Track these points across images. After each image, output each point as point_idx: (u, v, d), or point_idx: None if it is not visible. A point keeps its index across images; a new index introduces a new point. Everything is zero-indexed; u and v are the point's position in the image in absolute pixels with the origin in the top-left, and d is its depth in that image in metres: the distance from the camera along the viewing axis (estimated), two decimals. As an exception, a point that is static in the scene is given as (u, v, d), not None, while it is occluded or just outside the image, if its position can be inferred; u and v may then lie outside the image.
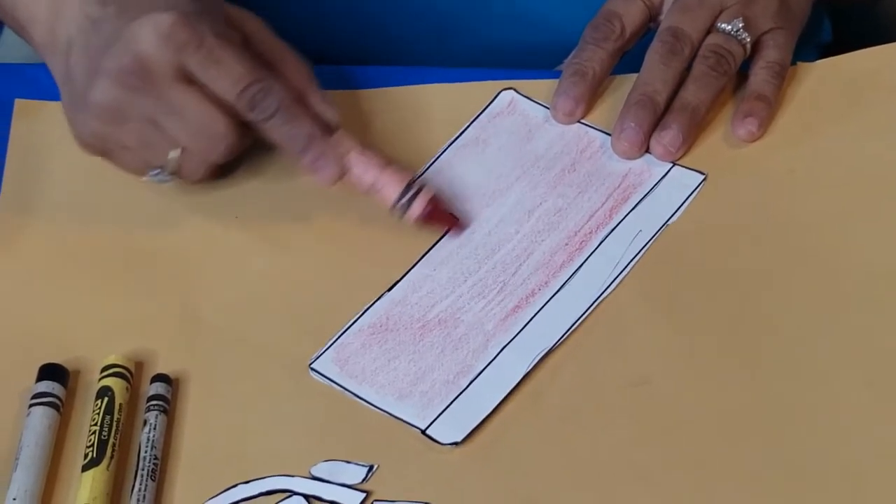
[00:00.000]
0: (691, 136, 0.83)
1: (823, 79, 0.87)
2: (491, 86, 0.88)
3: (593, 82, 0.85)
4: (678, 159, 0.83)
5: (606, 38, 0.86)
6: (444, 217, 0.81)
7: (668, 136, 0.83)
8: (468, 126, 0.86)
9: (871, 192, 0.82)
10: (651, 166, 0.84)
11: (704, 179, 0.83)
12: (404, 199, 0.79)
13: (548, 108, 0.86)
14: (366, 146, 0.80)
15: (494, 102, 0.88)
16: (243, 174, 0.85)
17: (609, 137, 0.84)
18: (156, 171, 0.80)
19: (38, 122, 0.88)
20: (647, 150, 0.84)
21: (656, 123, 0.83)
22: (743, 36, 0.85)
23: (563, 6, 0.95)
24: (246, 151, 0.82)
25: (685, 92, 0.83)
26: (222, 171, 0.83)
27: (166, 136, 0.78)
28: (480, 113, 0.87)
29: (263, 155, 0.85)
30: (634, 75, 0.85)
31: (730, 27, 0.85)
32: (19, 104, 0.89)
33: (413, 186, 0.80)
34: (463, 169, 0.85)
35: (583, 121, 0.86)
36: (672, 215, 0.82)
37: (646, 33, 0.88)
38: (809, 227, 0.81)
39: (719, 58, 0.84)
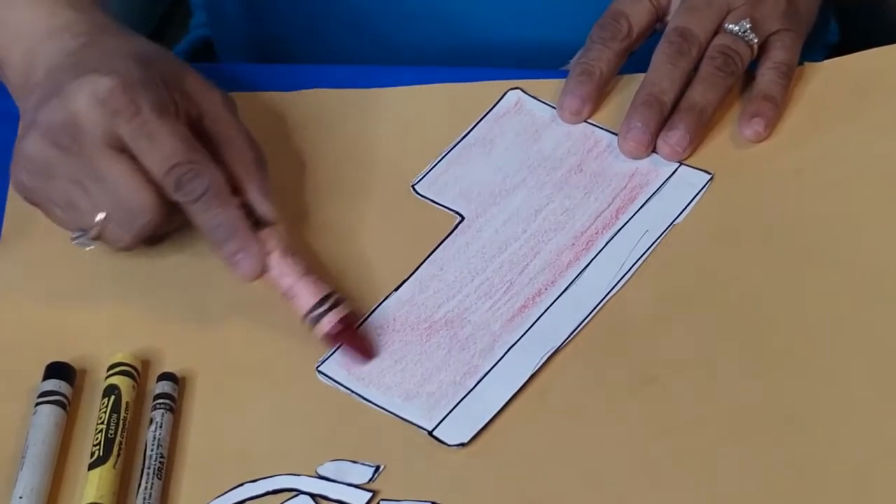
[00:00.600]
0: (698, 137, 0.83)
1: (830, 79, 0.87)
2: (497, 85, 0.88)
3: (600, 82, 0.85)
4: (685, 159, 0.83)
5: (613, 38, 0.86)
6: (355, 339, 0.77)
7: (675, 136, 0.83)
8: (475, 126, 0.86)
9: (878, 191, 0.82)
10: (657, 166, 0.84)
11: (711, 179, 0.83)
12: (316, 313, 0.76)
13: (554, 108, 0.86)
14: (292, 250, 0.77)
15: (501, 102, 0.87)
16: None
17: (616, 137, 0.84)
18: (79, 234, 0.77)
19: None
20: (654, 150, 0.84)
21: (663, 123, 0.83)
22: (750, 37, 0.85)
23: (569, 5, 0.95)
24: (181, 225, 0.79)
25: (692, 92, 0.83)
26: (153, 241, 0.80)
27: (89, 201, 0.76)
28: (487, 113, 0.87)
29: (269, 153, 0.85)
30: (641, 75, 0.85)
31: (737, 28, 0.85)
32: (26, 103, 0.89)
33: (328, 301, 0.76)
34: (469, 168, 0.85)
35: (589, 121, 0.86)
36: (679, 215, 0.82)
37: (653, 34, 0.87)
38: (816, 226, 0.81)
39: (727, 58, 0.84)
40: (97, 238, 0.77)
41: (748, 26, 0.85)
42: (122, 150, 0.75)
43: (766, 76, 0.85)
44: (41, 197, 0.78)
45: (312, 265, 0.77)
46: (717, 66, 0.84)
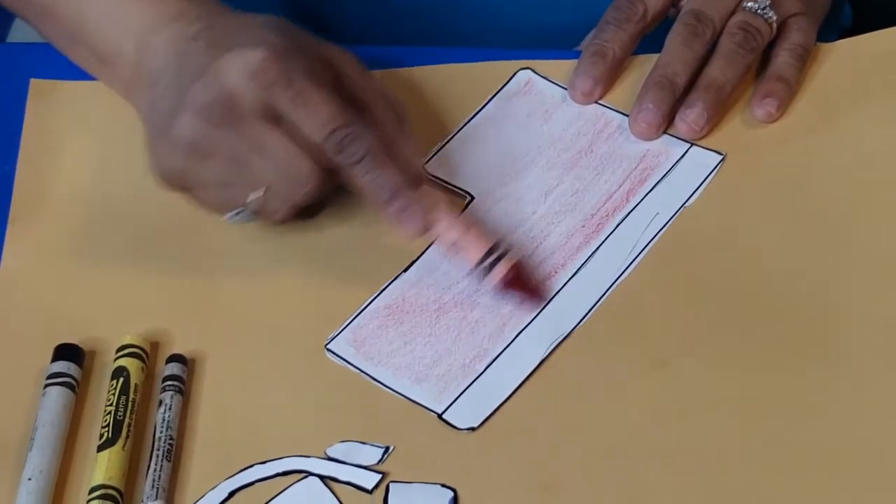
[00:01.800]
0: (716, 115, 0.83)
1: (843, 60, 0.86)
2: (508, 65, 0.88)
3: (613, 63, 0.85)
4: (702, 137, 0.83)
5: (628, 20, 0.85)
6: (526, 286, 0.77)
7: (692, 114, 0.82)
8: (484, 106, 0.86)
9: (891, 173, 0.81)
10: (668, 147, 0.83)
11: (723, 160, 0.82)
12: (486, 263, 0.77)
13: (565, 89, 0.86)
14: (451, 205, 0.78)
15: (511, 82, 0.87)
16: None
17: (626, 119, 0.84)
18: (236, 212, 0.77)
19: (53, 101, 0.88)
20: (665, 131, 0.83)
21: (674, 105, 0.83)
22: (769, 14, 0.84)
23: None
24: (332, 195, 0.80)
25: (711, 69, 0.83)
26: (306, 213, 0.80)
27: (249, 176, 0.76)
28: (497, 93, 0.87)
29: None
30: (654, 56, 0.85)
31: (756, 5, 0.84)
32: (34, 84, 0.88)
33: (496, 250, 0.77)
34: (479, 149, 0.84)
35: (600, 102, 0.85)
36: (690, 197, 0.81)
37: (667, 17, 0.87)
38: (828, 208, 0.80)
39: (746, 34, 0.84)
40: (256, 213, 0.77)
41: (767, 3, 0.84)
42: (278, 120, 0.75)
43: (781, 57, 0.84)
44: (194, 180, 0.77)
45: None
46: (737, 43, 0.83)
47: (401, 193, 0.75)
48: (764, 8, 0.84)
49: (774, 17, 0.85)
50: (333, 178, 0.76)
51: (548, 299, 0.77)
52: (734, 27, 0.84)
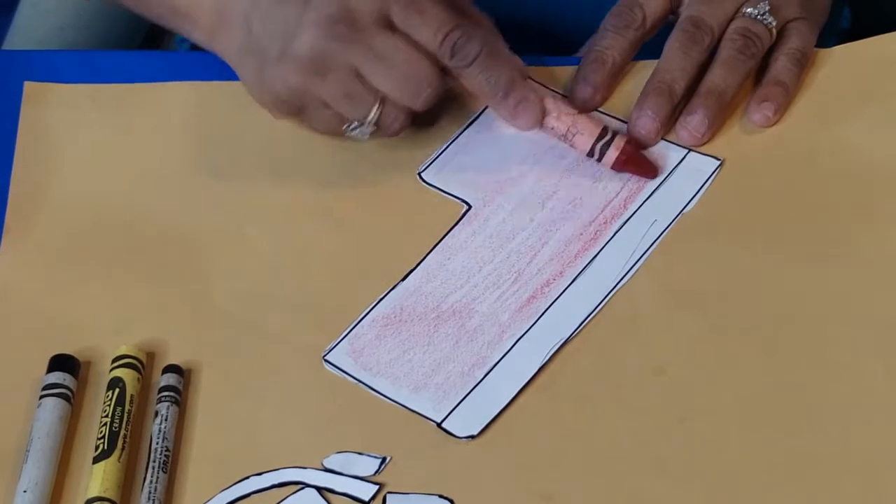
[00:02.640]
0: (718, 121, 0.83)
1: (841, 65, 0.86)
2: (505, 72, 0.88)
3: (612, 70, 0.85)
4: (703, 144, 0.83)
5: (627, 27, 0.85)
6: (639, 162, 0.82)
7: (694, 121, 0.82)
8: (481, 112, 0.86)
9: (890, 178, 0.81)
10: (666, 153, 0.83)
11: (720, 165, 0.82)
12: (600, 144, 0.81)
13: (563, 95, 0.86)
14: (558, 96, 0.83)
15: (508, 89, 0.87)
16: (256, 161, 0.84)
17: (623, 125, 0.84)
18: (354, 126, 0.80)
19: (47, 105, 0.87)
20: (664, 138, 0.83)
21: (673, 112, 0.83)
22: (769, 20, 0.84)
23: None
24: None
25: (712, 76, 0.83)
26: (416, 122, 0.83)
27: (369, 86, 0.79)
28: (494, 100, 0.86)
29: (275, 143, 0.85)
30: (652, 62, 0.85)
31: (755, 11, 0.84)
32: (28, 87, 0.88)
33: (608, 133, 0.81)
34: (476, 156, 0.84)
35: (599, 109, 0.85)
36: (688, 204, 0.81)
37: (666, 24, 0.87)
38: (827, 214, 0.80)
39: (747, 40, 0.83)
40: (375, 124, 0.80)
41: (767, 9, 0.84)
42: (394, 29, 0.78)
43: (780, 62, 0.84)
44: (310, 98, 0.80)
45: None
46: (737, 49, 0.83)
47: (515, 87, 0.80)
48: (763, 14, 0.84)
49: (774, 23, 0.84)
50: (446, 82, 0.80)
51: (661, 173, 0.82)
52: (734, 33, 0.84)
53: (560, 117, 0.82)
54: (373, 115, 0.80)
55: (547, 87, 0.84)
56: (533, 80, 0.84)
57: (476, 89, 0.80)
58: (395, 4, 0.78)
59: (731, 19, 0.84)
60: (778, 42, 0.85)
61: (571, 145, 0.82)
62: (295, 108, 0.81)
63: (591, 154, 0.82)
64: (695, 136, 0.82)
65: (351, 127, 0.81)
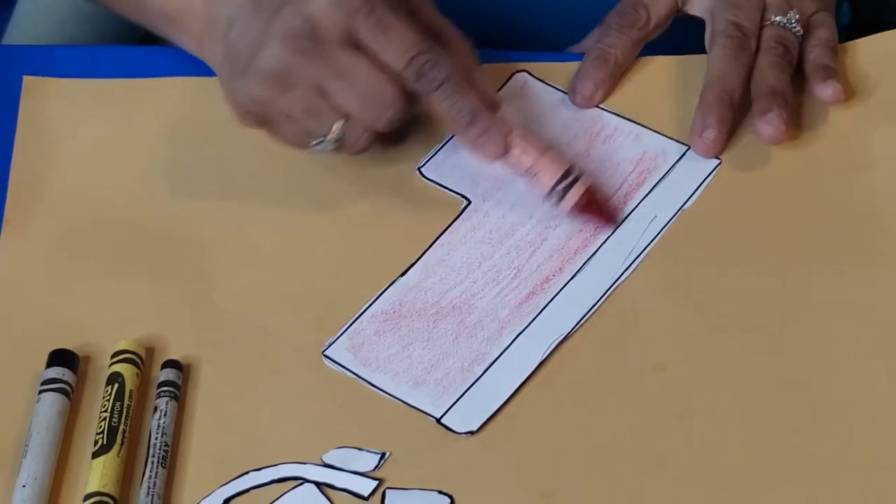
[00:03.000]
0: (788, 119, 0.82)
1: (842, 63, 0.86)
2: (504, 68, 0.87)
3: (615, 68, 0.85)
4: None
5: (631, 26, 0.85)
6: (599, 209, 0.79)
7: (775, 119, 0.81)
8: (481, 109, 0.86)
9: (890, 175, 0.81)
10: (666, 150, 0.83)
11: (720, 164, 0.82)
12: (560, 187, 0.79)
13: (561, 91, 0.86)
14: (527, 130, 0.80)
15: (507, 84, 0.87)
16: (255, 157, 0.84)
17: (623, 121, 0.84)
18: (318, 141, 0.79)
19: (47, 99, 0.87)
20: (664, 134, 0.83)
21: (733, 119, 0.82)
22: (797, 28, 0.85)
23: None
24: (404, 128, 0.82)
25: (768, 79, 0.82)
26: (382, 141, 0.82)
27: (332, 104, 0.77)
28: (494, 95, 0.86)
29: (273, 143, 0.85)
30: (654, 58, 0.85)
31: (785, 20, 0.84)
32: (28, 81, 0.88)
33: (570, 175, 0.79)
34: (476, 152, 0.84)
35: (600, 105, 0.85)
36: (687, 200, 0.81)
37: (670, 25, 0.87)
38: (827, 211, 0.80)
39: (785, 49, 0.84)
40: (338, 142, 0.79)
41: (796, 17, 0.84)
42: (359, 47, 0.77)
43: (816, 52, 0.84)
44: (275, 111, 0.78)
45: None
46: (779, 56, 0.83)
47: (480, 117, 0.78)
48: (793, 22, 0.84)
49: (801, 31, 0.85)
50: (412, 105, 0.78)
51: (620, 222, 0.80)
52: (771, 41, 0.84)
53: (524, 154, 0.79)
54: (335, 132, 0.78)
55: (517, 125, 0.80)
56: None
57: (440, 115, 0.78)
58: (363, 23, 0.76)
59: (761, 25, 0.84)
60: (805, 35, 0.85)
61: (532, 183, 0.79)
62: (260, 120, 0.80)
63: (550, 194, 0.79)
64: (778, 133, 0.81)
65: (314, 142, 0.79)
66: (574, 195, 0.79)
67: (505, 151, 0.78)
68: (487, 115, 0.78)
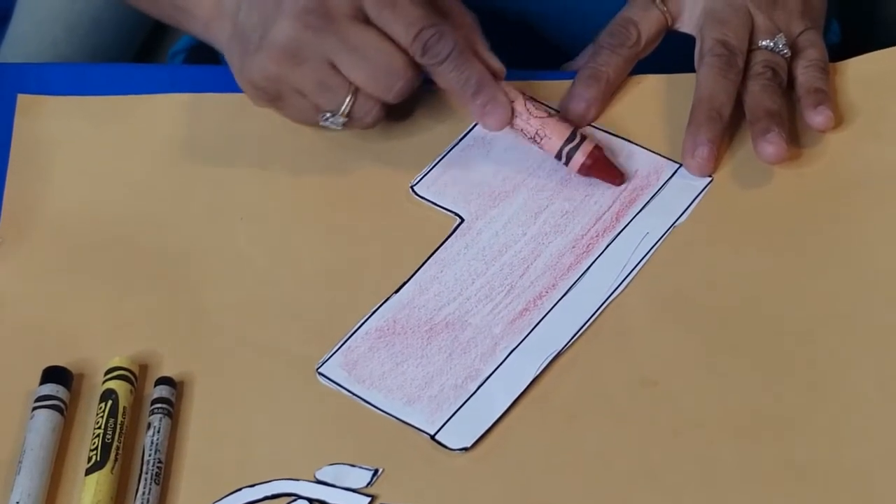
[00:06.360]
0: (787, 139, 0.82)
1: (833, 82, 0.86)
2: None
3: (607, 87, 0.85)
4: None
5: (622, 45, 0.86)
6: (606, 169, 0.82)
7: (774, 138, 0.81)
8: (473, 126, 0.86)
9: (880, 194, 0.82)
10: (658, 168, 0.83)
11: (711, 181, 0.82)
12: (568, 148, 0.81)
13: (555, 111, 0.86)
14: (531, 97, 0.82)
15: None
16: (248, 174, 0.84)
17: (615, 139, 0.84)
18: (328, 115, 0.81)
19: (41, 117, 0.87)
20: (655, 151, 0.83)
21: (723, 137, 0.83)
22: (785, 52, 0.85)
23: (567, 8, 0.95)
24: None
25: (762, 101, 0.82)
26: (391, 114, 0.83)
27: (342, 77, 0.79)
28: (487, 113, 0.86)
29: (268, 155, 0.85)
30: (643, 76, 0.85)
31: (772, 44, 0.84)
32: (22, 99, 0.88)
33: (576, 137, 0.81)
34: (468, 170, 0.84)
35: (592, 124, 0.85)
36: (679, 217, 0.81)
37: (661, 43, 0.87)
38: (817, 229, 0.80)
39: (774, 73, 0.84)
40: (348, 115, 0.81)
41: (783, 41, 0.85)
42: (368, 22, 0.79)
43: (807, 73, 0.84)
44: (286, 86, 0.80)
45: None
46: (769, 79, 0.83)
47: (485, 87, 0.80)
48: (780, 45, 0.84)
49: (789, 54, 0.85)
50: (419, 77, 0.80)
51: (628, 179, 0.82)
52: (760, 66, 0.84)
53: (529, 119, 0.81)
54: (345, 105, 0.80)
55: (522, 92, 0.83)
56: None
57: (446, 87, 0.81)
58: None
59: (750, 48, 0.85)
60: (795, 56, 0.85)
61: (540, 147, 0.82)
62: (272, 96, 0.82)
63: (558, 157, 0.82)
64: (779, 153, 0.81)
65: (325, 117, 0.81)
66: (582, 154, 0.81)
67: (510, 119, 0.81)
68: (493, 84, 0.80)
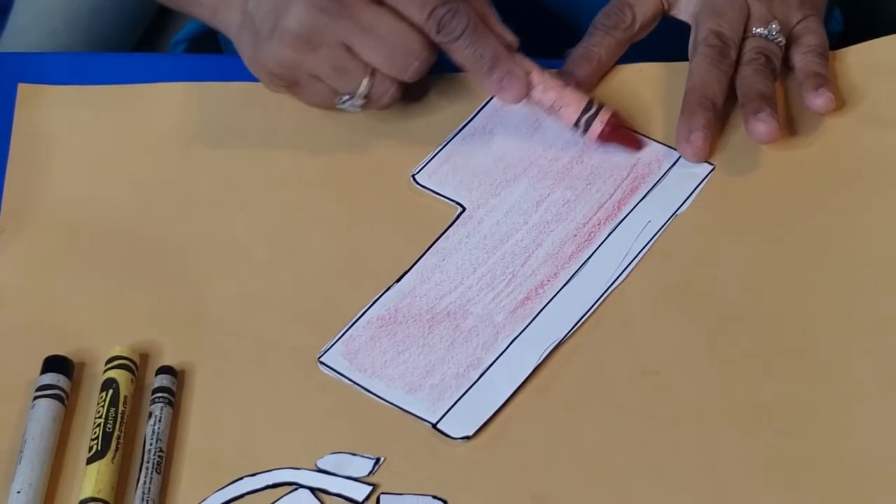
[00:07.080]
0: (778, 121, 0.82)
1: (834, 70, 0.86)
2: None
3: (598, 67, 0.86)
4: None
5: (616, 27, 0.86)
6: (624, 136, 0.82)
7: (766, 118, 0.81)
8: (475, 115, 0.86)
9: (882, 183, 0.82)
10: (659, 156, 0.83)
11: (713, 170, 0.82)
12: (585, 117, 0.81)
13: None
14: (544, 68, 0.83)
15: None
16: (249, 163, 0.84)
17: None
18: (346, 98, 0.81)
19: (41, 106, 0.87)
20: (656, 139, 0.83)
21: (717, 124, 0.83)
22: (779, 39, 0.85)
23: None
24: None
25: (754, 85, 0.83)
26: (407, 93, 0.83)
27: (359, 59, 0.80)
28: (487, 102, 0.86)
29: (269, 145, 0.85)
30: (643, 65, 0.85)
31: (766, 31, 0.84)
32: (23, 89, 0.88)
33: (593, 105, 0.82)
34: (470, 159, 0.84)
35: None
36: (681, 206, 0.81)
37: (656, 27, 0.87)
38: (819, 217, 0.80)
39: (767, 59, 0.84)
40: (366, 97, 0.81)
41: (777, 28, 0.84)
42: (381, 3, 0.79)
43: (806, 59, 0.84)
44: (302, 72, 0.81)
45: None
46: (762, 65, 0.84)
47: (500, 62, 0.80)
48: (774, 33, 0.84)
49: (783, 41, 0.85)
50: (434, 56, 0.81)
51: (644, 146, 0.83)
52: (753, 52, 0.84)
53: (546, 91, 0.82)
54: (363, 87, 0.81)
55: (535, 63, 0.83)
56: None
57: (462, 63, 0.81)
58: None
59: (744, 36, 0.85)
60: (793, 43, 0.86)
61: (557, 118, 0.82)
62: (288, 82, 0.82)
63: (576, 125, 0.82)
64: (771, 132, 0.81)
65: (342, 100, 0.82)
66: (600, 123, 0.82)
67: (527, 91, 0.81)
68: (508, 58, 0.81)
